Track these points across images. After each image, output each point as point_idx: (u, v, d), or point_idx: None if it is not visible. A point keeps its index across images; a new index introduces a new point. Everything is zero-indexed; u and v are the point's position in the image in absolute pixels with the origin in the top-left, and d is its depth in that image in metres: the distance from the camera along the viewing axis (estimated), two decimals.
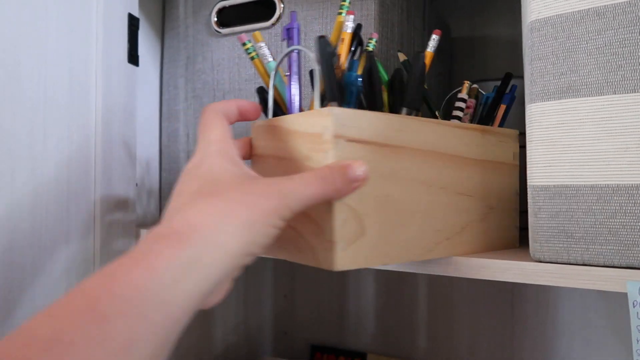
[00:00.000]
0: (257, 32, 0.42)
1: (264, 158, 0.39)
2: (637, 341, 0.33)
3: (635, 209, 0.33)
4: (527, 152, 0.37)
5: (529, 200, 0.37)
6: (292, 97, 0.40)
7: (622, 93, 0.33)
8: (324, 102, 0.37)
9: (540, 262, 0.37)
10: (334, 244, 0.32)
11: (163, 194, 0.64)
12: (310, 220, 0.34)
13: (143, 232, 0.59)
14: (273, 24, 0.56)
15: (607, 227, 0.34)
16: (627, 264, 0.34)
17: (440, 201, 0.39)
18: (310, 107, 0.39)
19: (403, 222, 0.37)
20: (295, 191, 0.30)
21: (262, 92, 0.43)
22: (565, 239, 0.35)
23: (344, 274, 0.87)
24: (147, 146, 0.64)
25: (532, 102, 0.37)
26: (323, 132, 0.33)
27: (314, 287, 0.90)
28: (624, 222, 0.33)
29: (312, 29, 0.54)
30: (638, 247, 0.33)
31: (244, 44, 0.42)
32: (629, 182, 0.33)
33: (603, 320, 0.65)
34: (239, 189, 0.30)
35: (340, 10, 0.41)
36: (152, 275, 0.25)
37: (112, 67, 0.55)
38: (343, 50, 0.40)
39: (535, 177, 0.37)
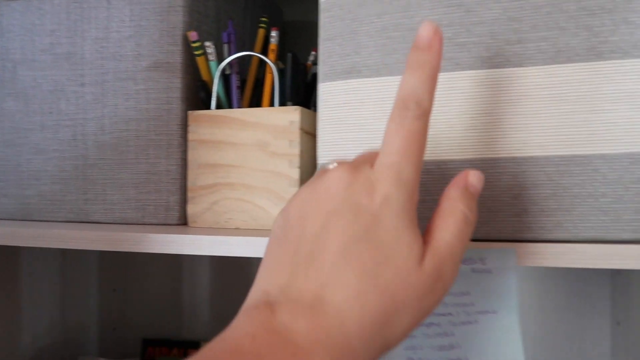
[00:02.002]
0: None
1: (210, 143, 0.46)
2: None
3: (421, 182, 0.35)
4: (317, 131, 0.38)
5: None
6: (235, 93, 0.48)
7: (397, 75, 0.35)
8: (283, 101, 0.47)
9: None
10: None
11: None
12: None
13: None
14: None
15: None
16: None
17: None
18: (245, 103, 0.49)
19: None
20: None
21: (205, 87, 0.48)
22: None
23: (179, 263, 0.84)
24: None
25: (322, 81, 0.38)
26: (290, 125, 0.43)
27: (146, 279, 0.85)
28: None
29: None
30: None
31: (193, 42, 0.47)
32: None
33: None
34: None
35: (262, 25, 0.51)
36: None
37: None
38: (272, 58, 0.48)
39: (323, 155, 0.38)
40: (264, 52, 0.49)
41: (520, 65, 0.33)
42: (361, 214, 0.26)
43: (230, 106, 0.48)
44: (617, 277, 0.63)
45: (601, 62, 0.32)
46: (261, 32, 0.49)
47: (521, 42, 0.33)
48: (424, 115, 0.27)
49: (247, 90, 0.49)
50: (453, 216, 0.27)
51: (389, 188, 0.26)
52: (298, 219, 0.27)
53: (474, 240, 0.34)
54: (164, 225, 0.48)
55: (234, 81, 0.47)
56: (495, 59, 0.33)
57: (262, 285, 0.26)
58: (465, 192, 0.28)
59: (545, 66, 0.33)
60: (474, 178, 0.29)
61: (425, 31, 0.27)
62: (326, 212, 0.26)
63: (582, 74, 0.32)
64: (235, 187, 0.45)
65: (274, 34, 0.48)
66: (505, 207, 0.34)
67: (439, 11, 0.34)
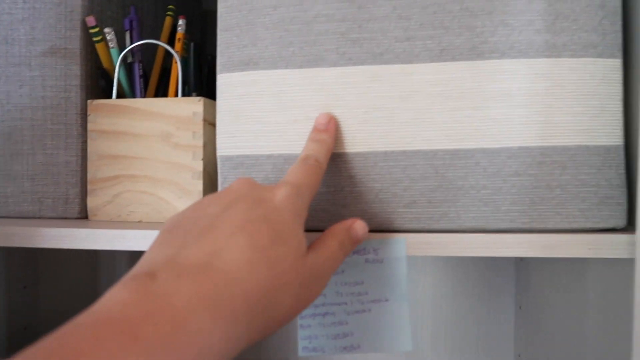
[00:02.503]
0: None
1: (110, 134, 0.44)
2: None
3: None
4: (217, 122, 0.38)
5: (218, 170, 0.38)
6: (137, 82, 0.46)
7: (293, 68, 0.36)
8: (185, 92, 0.46)
9: None
10: None
11: None
12: None
13: None
14: None
15: None
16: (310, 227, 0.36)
17: None
18: (150, 93, 0.47)
19: None
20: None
21: (105, 75, 0.46)
22: None
23: (96, 257, 0.81)
24: None
25: (220, 72, 0.37)
26: (193, 116, 0.42)
27: (61, 275, 0.81)
28: None
29: None
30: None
31: (91, 27, 0.44)
32: (297, 151, 0.36)
33: None
34: None
35: (169, 13, 0.48)
36: None
37: None
38: (178, 47, 0.47)
39: (222, 147, 0.37)
40: (171, 40, 0.48)
41: (409, 62, 0.34)
42: (263, 203, 0.28)
43: (133, 96, 0.46)
44: (520, 264, 0.67)
45: (482, 62, 0.34)
46: (168, 20, 0.48)
47: (409, 39, 0.34)
48: (321, 168, 0.33)
49: (152, 80, 0.48)
50: (333, 240, 0.31)
51: (290, 191, 0.29)
52: (195, 210, 0.29)
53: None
54: (64, 219, 0.46)
55: (137, 70, 0.46)
56: (386, 55, 0.34)
57: (145, 260, 0.26)
58: (347, 230, 0.32)
59: (432, 63, 0.34)
60: (359, 226, 0.33)
61: (322, 119, 0.35)
62: (229, 200, 0.28)
63: (465, 72, 0.34)
64: (137, 180, 0.44)
65: (181, 22, 0.47)
66: (396, 199, 0.35)
67: (333, 6, 0.35)
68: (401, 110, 0.35)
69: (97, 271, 0.81)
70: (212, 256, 0.25)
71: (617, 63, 0.34)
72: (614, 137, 0.34)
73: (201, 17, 0.75)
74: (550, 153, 0.34)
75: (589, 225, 0.34)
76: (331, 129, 0.34)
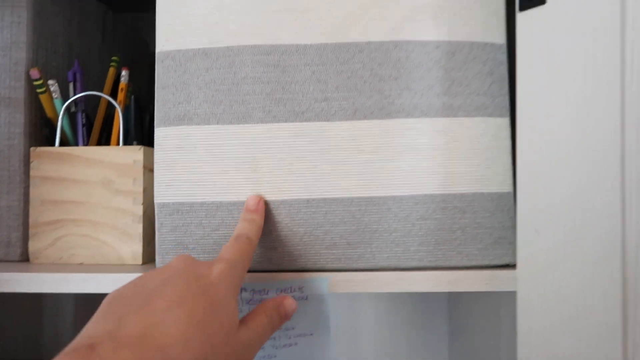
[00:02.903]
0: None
1: (53, 180, 0.46)
2: None
3: (232, 222, 0.39)
4: (154, 172, 0.41)
5: (155, 216, 0.41)
6: (80, 131, 0.49)
7: (223, 124, 0.39)
8: (127, 140, 0.49)
9: None
10: None
11: None
12: None
13: None
14: None
15: (213, 239, 0.39)
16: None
17: None
18: (93, 140, 0.50)
19: None
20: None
21: (49, 124, 0.49)
22: (182, 250, 0.40)
23: (38, 301, 0.80)
24: None
25: (157, 126, 0.40)
26: (134, 163, 0.45)
27: (1, 320, 0.80)
28: (225, 233, 0.39)
29: None
30: None
31: (35, 80, 0.47)
32: (228, 199, 0.39)
33: None
34: None
35: (113, 64, 0.51)
36: None
37: None
38: (121, 97, 0.50)
39: (159, 195, 0.40)
40: (114, 90, 0.50)
41: (327, 120, 0.39)
42: (200, 278, 0.31)
43: (76, 144, 0.49)
44: (452, 294, 0.72)
45: (390, 120, 0.38)
46: (111, 71, 0.51)
47: (327, 100, 0.38)
48: (252, 244, 0.36)
49: (95, 128, 0.50)
50: (263, 316, 0.34)
51: (225, 268, 0.32)
52: (136, 285, 0.30)
53: (293, 270, 0.39)
54: (5, 261, 0.47)
55: (79, 119, 0.48)
56: (307, 113, 0.39)
57: (85, 333, 0.27)
58: (276, 308, 0.35)
59: (347, 121, 0.38)
60: (287, 304, 0.36)
61: (252, 200, 0.38)
62: (168, 275, 0.31)
63: (376, 129, 0.38)
64: (79, 224, 0.46)
65: (124, 73, 0.50)
66: (318, 241, 0.39)
67: (259, 70, 0.39)
68: (321, 163, 0.39)
69: (40, 314, 0.80)
70: (150, 328, 0.26)
71: (505, 121, 0.39)
72: (505, 185, 0.39)
73: (148, 60, 0.78)
74: (451, 200, 0.38)
75: (486, 262, 0.39)
76: (260, 209, 0.38)
